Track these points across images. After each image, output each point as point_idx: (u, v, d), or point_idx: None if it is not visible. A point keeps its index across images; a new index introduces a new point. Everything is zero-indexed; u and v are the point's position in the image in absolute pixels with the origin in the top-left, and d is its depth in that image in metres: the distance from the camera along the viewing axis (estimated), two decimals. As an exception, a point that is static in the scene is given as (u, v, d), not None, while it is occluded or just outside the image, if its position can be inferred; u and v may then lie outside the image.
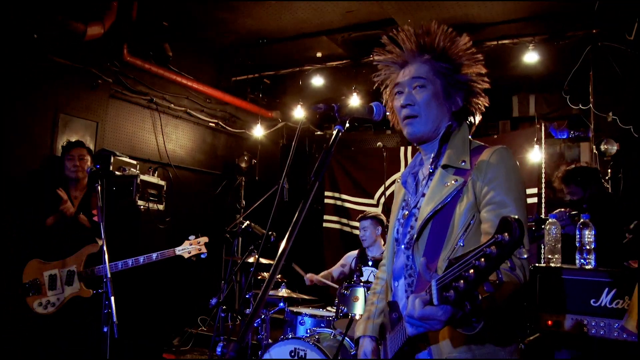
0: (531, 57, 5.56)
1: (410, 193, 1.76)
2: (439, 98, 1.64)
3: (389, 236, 1.86)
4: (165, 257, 3.60)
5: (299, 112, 6.94)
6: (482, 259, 1.04)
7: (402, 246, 1.69)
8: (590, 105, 5.44)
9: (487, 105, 1.71)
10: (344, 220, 7.69)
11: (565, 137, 6.86)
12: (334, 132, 1.54)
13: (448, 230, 1.54)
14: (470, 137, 1.70)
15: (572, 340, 2.54)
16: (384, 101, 1.80)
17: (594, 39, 5.27)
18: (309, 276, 4.83)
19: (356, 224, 5.59)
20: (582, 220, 2.68)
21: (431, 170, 1.67)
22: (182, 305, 6.19)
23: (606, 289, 2.52)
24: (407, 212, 1.73)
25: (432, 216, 1.57)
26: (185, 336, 6.35)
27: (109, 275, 3.05)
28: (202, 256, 3.66)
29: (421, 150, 1.77)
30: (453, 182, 1.57)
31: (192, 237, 3.66)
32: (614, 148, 5.00)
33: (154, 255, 3.59)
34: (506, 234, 1.02)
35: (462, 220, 1.52)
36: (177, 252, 3.62)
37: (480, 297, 1.08)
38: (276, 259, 1.32)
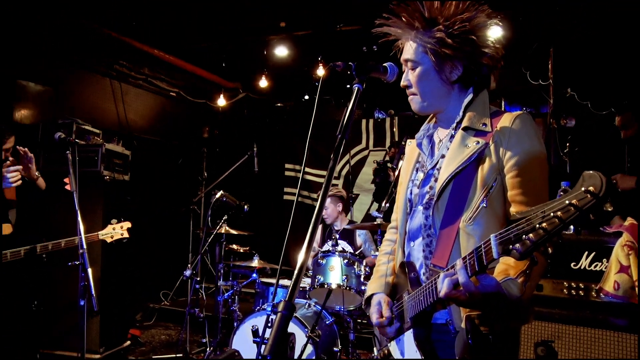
0: (495, 31, 5.64)
1: (427, 155, 1.77)
2: (430, 74, 1.64)
3: (399, 199, 1.87)
4: (88, 241, 3.27)
5: (263, 82, 6.83)
6: (560, 212, 1.05)
7: (420, 206, 1.70)
8: (550, 81, 5.62)
9: (497, 60, 1.64)
10: (305, 193, 7.70)
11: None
12: (354, 91, 1.51)
13: (470, 192, 1.55)
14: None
15: (554, 302, 2.66)
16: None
17: (556, 16, 5.40)
18: None
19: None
20: (562, 187, 2.77)
21: (453, 134, 1.67)
22: (144, 280, 6.06)
23: (585, 253, 2.65)
24: (423, 174, 1.74)
25: (453, 177, 1.58)
26: (148, 311, 6.23)
27: (84, 247, 2.95)
28: (124, 241, 3.65)
29: (436, 116, 1.78)
30: (474, 144, 1.58)
31: (114, 221, 3.63)
32: (572, 123, 5.21)
33: (76, 239, 3.18)
34: (591, 187, 1.02)
35: (484, 182, 1.54)
36: (101, 237, 3.56)
37: (550, 250, 1.09)
38: (295, 272, 1.25)
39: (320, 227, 5.26)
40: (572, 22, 5.20)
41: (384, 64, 1.64)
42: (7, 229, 3.52)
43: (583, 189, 1.03)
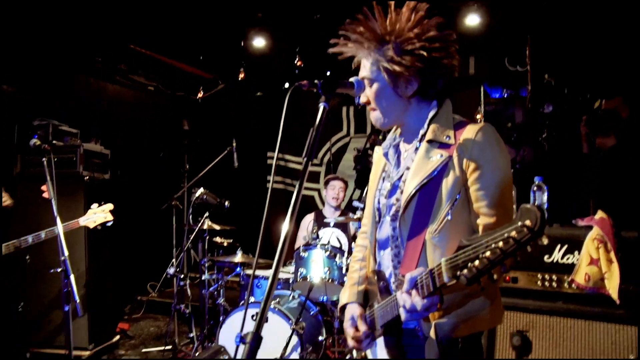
0: (473, 19, 5.66)
1: (392, 165, 1.80)
2: (387, 90, 1.66)
3: (368, 205, 1.91)
4: (70, 229, 3.34)
5: (242, 73, 6.80)
6: (502, 243, 1.11)
7: (388, 217, 1.74)
8: (528, 67, 5.66)
9: (453, 69, 1.65)
10: (288, 180, 7.75)
11: (499, 95, 7.13)
12: (320, 109, 1.52)
13: (435, 204, 1.58)
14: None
15: (528, 294, 2.74)
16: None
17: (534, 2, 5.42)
18: None
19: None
20: (536, 182, 2.84)
21: (418, 146, 1.70)
22: (130, 274, 6.09)
23: (558, 246, 2.72)
24: (390, 184, 1.77)
25: (418, 190, 1.61)
26: (136, 304, 6.28)
27: (66, 254, 2.94)
28: (108, 224, 3.47)
29: (399, 127, 1.82)
30: (438, 156, 1.61)
31: (94, 206, 3.46)
32: (549, 108, 5.27)
33: (56, 229, 3.11)
34: (528, 221, 1.08)
35: (449, 195, 1.57)
36: (82, 223, 3.41)
37: (495, 276, 1.15)
38: (280, 243, 1.31)
39: (313, 216, 5.35)
40: (550, 7, 5.23)
41: (350, 80, 1.66)
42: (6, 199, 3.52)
43: (520, 223, 1.10)
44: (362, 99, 1.72)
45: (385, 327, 1.69)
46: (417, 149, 1.70)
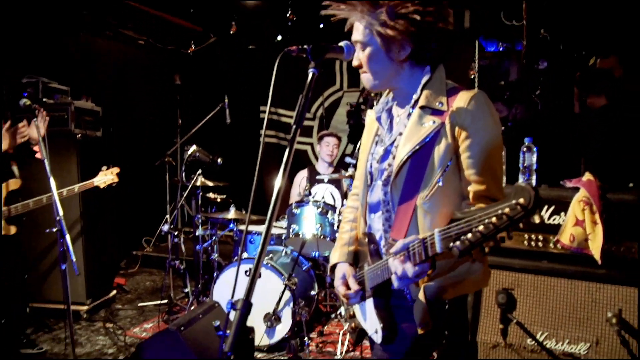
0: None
1: (385, 129, 1.82)
2: (379, 54, 1.65)
3: (360, 168, 1.93)
4: (86, 188, 3.78)
5: (233, 26, 6.67)
6: (495, 219, 1.15)
7: (379, 182, 1.77)
8: (524, 21, 5.57)
9: (447, 34, 1.65)
10: (281, 135, 7.73)
11: (494, 49, 7.05)
12: (309, 75, 1.52)
13: (427, 170, 1.61)
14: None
15: (514, 253, 2.81)
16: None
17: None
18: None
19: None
20: (525, 143, 2.86)
21: (410, 111, 1.71)
22: (126, 229, 6.16)
23: (545, 206, 2.77)
24: (382, 148, 1.79)
25: (410, 156, 1.64)
26: (131, 258, 6.38)
27: (61, 214, 2.97)
28: (113, 185, 3.89)
29: (392, 92, 1.82)
30: (431, 122, 1.62)
31: (104, 168, 3.85)
32: (544, 65, 5.22)
33: (76, 187, 3.70)
34: (522, 199, 1.12)
35: (440, 161, 1.60)
36: (95, 183, 3.80)
37: (486, 249, 1.20)
38: (272, 200, 1.33)
39: (306, 172, 5.39)
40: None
41: (339, 44, 1.65)
42: (15, 184, 3.61)
43: (514, 201, 1.13)
44: (355, 62, 1.71)
45: (375, 289, 1.75)
46: (409, 114, 1.71)
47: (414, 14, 1.56)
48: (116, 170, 3.87)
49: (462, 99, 1.61)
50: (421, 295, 1.64)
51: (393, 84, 1.74)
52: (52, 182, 3.02)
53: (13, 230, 3.58)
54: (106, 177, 3.82)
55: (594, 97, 3.83)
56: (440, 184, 1.60)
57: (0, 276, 3.53)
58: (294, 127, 1.44)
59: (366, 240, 1.83)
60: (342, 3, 1.66)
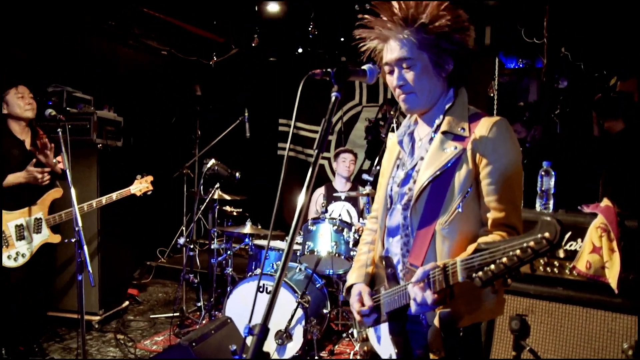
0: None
1: (407, 153, 1.82)
2: (429, 71, 1.66)
3: (380, 191, 1.93)
4: (123, 196, 3.96)
5: (255, 38, 6.74)
6: (519, 252, 1.16)
7: (399, 206, 1.77)
8: (544, 39, 5.55)
9: (474, 55, 1.73)
10: (299, 148, 7.76)
11: (514, 65, 7.02)
12: (332, 99, 1.50)
13: (447, 196, 1.62)
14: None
15: (530, 279, 2.78)
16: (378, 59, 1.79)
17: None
18: None
19: (311, 152, 5.73)
20: (544, 167, 2.84)
21: (433, 136, 1.72)
22: (140, 240, 6.20)
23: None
24: (403, 172, 1.79)
25: (431, 181, 1.64)
26: (145, 269, 6.42)
27: (80, 225, 3.02)
28: (148, 193, 4.09)
29: (418, 116, 1.82)
30: (452, 148, 1.63)
31: (139, 177, 4.03)
32: (564, 84, 5.19)
33: (114, 195, 3.92)
34: (547, 233, 1.13)
35: (461, 187, 1.61)
36: (132, 191, 4.00)
37: (509, 281, 1.20)
38: (295, 218, 1.33)
39: (323, 190, 5.40)
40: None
41: (362, 67, 1.63)
42: (57, 192, 3.73)
43: (539, 235, 1.14)
44: (399, 82, 1.68)
45: (391, 314, 1.75)
46: (431, 139, 1.72)
47: (452, 32, 1.61)
48: (150, 178, 4.03)
49: (484, 126, 1.62)
50: (436, 322, 1.63)
51: (432, 104, 1.73)
52: (73, 193, 3.06)
53: (58, 239, 3.69)
54: (141, 185, 3.98)
55: (612, 122, 3.79)
56: (460, 210, 1.61)
57: (31, 282, 3.63)
58: (316, 151, 1.43)
59: (383, 264, 1.83)
60: (376, 23, 1.67)
